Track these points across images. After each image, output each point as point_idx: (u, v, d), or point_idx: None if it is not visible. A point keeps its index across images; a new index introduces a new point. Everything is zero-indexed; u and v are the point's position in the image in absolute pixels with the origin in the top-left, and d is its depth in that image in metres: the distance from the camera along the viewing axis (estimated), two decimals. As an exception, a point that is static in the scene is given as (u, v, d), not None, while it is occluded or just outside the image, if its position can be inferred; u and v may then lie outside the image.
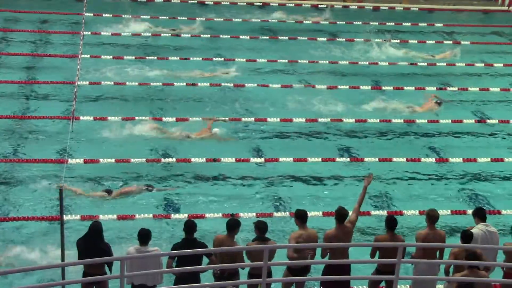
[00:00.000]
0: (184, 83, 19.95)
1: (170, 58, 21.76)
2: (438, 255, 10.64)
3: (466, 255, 9.69)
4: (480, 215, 10.96)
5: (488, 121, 18.93)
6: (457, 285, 9.12)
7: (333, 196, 14.94)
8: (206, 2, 27.53)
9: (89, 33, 22.45)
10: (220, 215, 13.73)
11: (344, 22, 27.03)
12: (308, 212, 10.67)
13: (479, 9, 30.55)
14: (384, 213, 14.09)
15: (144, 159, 15.79)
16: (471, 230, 10.56)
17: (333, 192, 15.23)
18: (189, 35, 23.83)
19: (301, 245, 9.91)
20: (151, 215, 13.76)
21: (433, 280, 10.48)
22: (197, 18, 24.87)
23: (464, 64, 23.30)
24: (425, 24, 27.69)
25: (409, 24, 27.54)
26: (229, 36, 24.00)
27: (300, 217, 10.50)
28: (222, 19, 25.66)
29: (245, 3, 27.83)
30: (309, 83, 20.72)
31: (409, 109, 19.20)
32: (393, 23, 27.33)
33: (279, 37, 24.32)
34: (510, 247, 10.48)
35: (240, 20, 25.87)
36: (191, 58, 21.69)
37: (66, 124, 16.63)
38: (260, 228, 10.31)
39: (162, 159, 15.91)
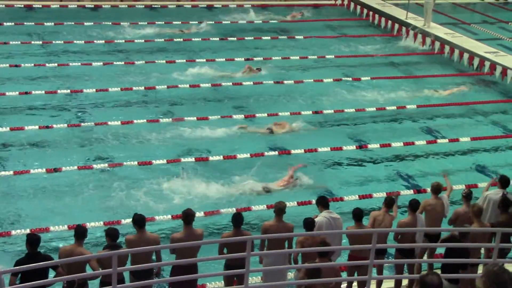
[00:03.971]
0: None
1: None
2: (287, 246, 10.88)
3: (316, 245, 9.92)
4: (323, 203, 11.32)
5: (324, 111, 19.56)
6: (306, 272, 9.34)
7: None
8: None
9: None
10: (66, 227, 13.24)
11: (180, 22, 27.16)
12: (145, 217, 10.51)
13: (310, 4, 31.70)
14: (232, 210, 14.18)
15: None
16: (315, 219, 10.90)
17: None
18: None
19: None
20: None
21: (283, 269, 10.69)
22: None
23: (298, 57, 24.06)
24: (261, 22, 28.32)
25: (245, 22, 28.05)
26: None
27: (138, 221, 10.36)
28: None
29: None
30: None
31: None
32: (213, 22, 27.63)
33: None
34: (352, 230, 10.90)
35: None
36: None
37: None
38: (111, 235, 10.07)
39: None
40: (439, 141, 18.25)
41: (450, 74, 23.76)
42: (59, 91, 20.02)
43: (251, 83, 21.29)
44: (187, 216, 10.46)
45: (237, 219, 10.55)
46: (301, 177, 15.72)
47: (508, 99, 21.89)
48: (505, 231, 10.72)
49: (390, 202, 11.40)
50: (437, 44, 25.68)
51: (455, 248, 10.21)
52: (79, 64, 22.08)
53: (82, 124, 18.05)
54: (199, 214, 12.99)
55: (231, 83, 21.20)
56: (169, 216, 13.76)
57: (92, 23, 26.40)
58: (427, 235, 11.65)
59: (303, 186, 15.52)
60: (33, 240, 9.74)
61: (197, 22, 27.41)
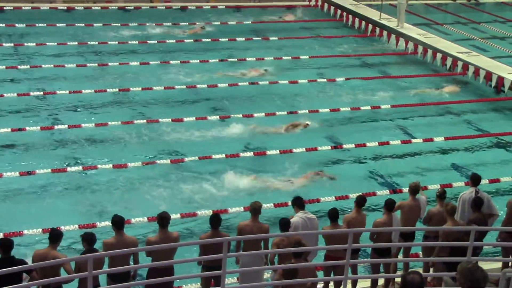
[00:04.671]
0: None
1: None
2: (263, 246, 10.86)
3: (291, 245, 9.92)
4: (298, 203, 11.32)
5: (299, 111, 19.61)
6: (282, 273, 9.33)
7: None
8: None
9: None
10: (40, 230, 13.08)
11: (153, 23, 27.10)
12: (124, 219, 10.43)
13: (283, 5, 31.77)
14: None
15: None
16: (291, 219, 10.91)
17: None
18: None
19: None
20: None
21: (259, 270, 10.68)
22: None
23: (272, 58, 24.09)
24: (234, 23, 28.32)
25: (219, 23, 28.01)
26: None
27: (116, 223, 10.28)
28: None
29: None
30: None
31: None
32: (187, 23, 27.62)
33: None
34: (328, 231, 10.91)
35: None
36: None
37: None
38: (87, 239, 9.95)
39: None
40: (413, 141, 18.36)
41: (423, 75, 23.94)
42: (31, 93, 19.84)
43: (226, 84, 21.28)
44: (162, 219, 10.38)
45: (215, 220, 10.52)
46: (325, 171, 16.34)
47: (480, 99, 22.09)
48: (479, 229, 10.82)
49: (360, 201, 11.42)
50: (411, 45, 25.85)
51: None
52: (52, 66, 21.87)
53: (56, 126, 17.88)
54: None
55: (206, 85, 21.14)
56: (145, 219, 13.67)
57: (64, 25, 26.22)
58: (402, 234, 11.71)
59: (326, 180, 15.98)
60: (5, 244, 9.61)
61: (204, 22, 27.85)
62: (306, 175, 16.15)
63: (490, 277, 6.51)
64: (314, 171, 16.34)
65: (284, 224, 10.60)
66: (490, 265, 11.59)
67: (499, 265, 11.73)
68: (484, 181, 15.03)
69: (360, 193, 12.31)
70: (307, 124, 18.79)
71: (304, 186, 15.70)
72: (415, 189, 11.91)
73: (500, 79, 22.19)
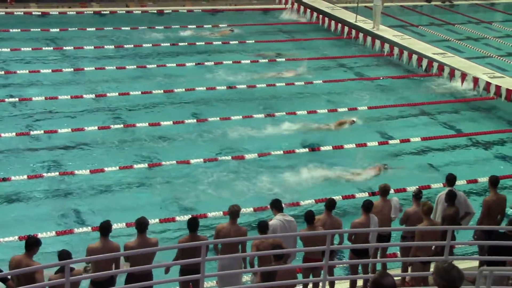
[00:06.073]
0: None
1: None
2: (240, 250, 10.85)
3: (271, 247, 9.91)
4: (277, 206, 11.33)
5: (276, 114, 19.65)
6: (261, 275, 9.34)
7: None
8: None
9: None
10: (16, 238, 12.94)
11: (129, 28, 27.04)
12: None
13: (260, 8, 31.80)
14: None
15: None
16: (270, 222, 10.91)
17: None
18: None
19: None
20: None
21: (238, 273, 10.67)
22: None
23: (249, 61, 24.10)
24: (210, 26, 28.29)
25: (194, 26, 27.97)
26: None
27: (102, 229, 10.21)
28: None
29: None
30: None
31: None
32: (178, 26, 27.65)
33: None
34: (306, 233, 10.92)
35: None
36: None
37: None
38: (64, 259, 9.82)
39: None
40: (390, 142, 18.46)
41: (400, 76, 24.06)
42: (6, 99, 19.66)
43: (204, 88, 21.25)
44: (140, 225, 10.33)
45: (192, 224, 10.49)
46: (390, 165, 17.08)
47: (456, 99, 22.25)
48: (456, 228, 10.90)
49: (330, 204, 11.44)
50: (386, 46, 25.99)
51: None
52: (27, 71, 21.71)
53: (31, 132, 17.75)
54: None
55: (183, 89, 21.10)
56: (124, 224, 13.59)
57: (39, 30, 26.05)
58: (378, 235, 11.76)
59: (391, 172, 16.65)
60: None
61: (226, 25, 28.18)
62: (373, 167, 16.82)
63: (467, 275, 6.55)
64: (380, 164, 16.97)
65: (263, 227, 10.63)
66: (467, 264, 11.67)
67: (476, 263, 11.82)
68: (462, 182, 15.24)
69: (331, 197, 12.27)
70: (353, 121, 19.40)
71: (370, 179, 16.31)
72: (384, 190, 11.99)
73: (475, 79, 22.40)
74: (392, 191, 13.00)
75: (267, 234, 10.55)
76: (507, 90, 21.27)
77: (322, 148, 17.73)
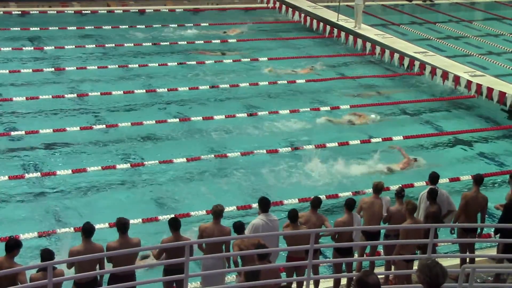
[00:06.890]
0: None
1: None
2: (224, 249, 10.82)
3: (254, 247, 9.90)
4: (261, 205, 11.23)
5: (259, 113, 19.65)
6: (245, 275, 9.32)
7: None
8: None
9: None
10: (-3, 238, 12.87)
11: (110, 27, 26.92)
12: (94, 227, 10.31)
13: (242, 7, 31.77)
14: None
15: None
16: (252, 221, 10.90)
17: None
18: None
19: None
20: None
21: (221, 273, 10.65)
22: None
23: (231, 61, 24.08)
24: (192, 25, 28.23)
25: (176, 25, 27.90)
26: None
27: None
28: None
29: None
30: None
31: None
32: (160, 25, 27.58)
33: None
34: (289, 232, 10.91)
35: None
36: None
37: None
38: (45, 258, 9.73)
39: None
40: (372, 140, 18.52)
41: (382, 75, 24.15)
42: (-13, 99, 19.53)
43: (187, 88, 21.21)
44: (122, 225, 10.25)
45: (174, 223, 10.45)
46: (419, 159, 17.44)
47: (438, 98, 22.36)
48: (439, 226, 10.94)
49: (315, 202, 11.45)
50: (368, 45, 26.07)
51: None
52: (7, 71, 21.54)
53: (12, 133, 17.61)
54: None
55: (166, 89, 21.03)
56: (107, 225, 13.49)
57: (19, 29, 25.86)
58: (366, 233, 11.79)
59: (421, 167, 16.98)
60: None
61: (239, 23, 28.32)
62: (404, 161, 17.22)
63: (449, 273, 6.58)
64: (411, 158, 17.34)
65: (238, 227, 10.67)
66: (449, 262, 11.73)
67: (457, 261, 11.88)
68: (445, 180, 15.34)
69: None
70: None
71: (401, 172, 16.76)
72: (377, 188, 12.02)
73: (456, 78, 22.53)
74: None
75: (249, 234, 10.53)
76: (488, 88, 21.41)
77: (305, 147, 17.75)
